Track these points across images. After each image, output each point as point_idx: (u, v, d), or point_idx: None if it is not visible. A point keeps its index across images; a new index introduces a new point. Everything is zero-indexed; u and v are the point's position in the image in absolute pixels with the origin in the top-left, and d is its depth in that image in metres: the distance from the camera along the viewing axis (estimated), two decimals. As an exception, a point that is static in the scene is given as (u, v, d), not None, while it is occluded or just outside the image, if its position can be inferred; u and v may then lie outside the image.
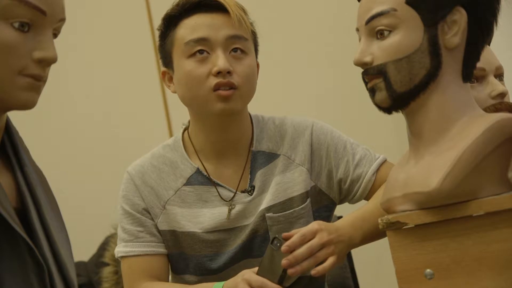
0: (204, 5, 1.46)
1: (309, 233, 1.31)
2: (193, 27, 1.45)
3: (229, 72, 1.42)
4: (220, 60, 1.42)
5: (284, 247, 1.29)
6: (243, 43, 1.46)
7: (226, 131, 1.49)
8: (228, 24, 1.45)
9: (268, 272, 1.30)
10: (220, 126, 1.48)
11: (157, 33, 1.55)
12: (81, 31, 2.97)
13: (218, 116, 1.45)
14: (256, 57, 1.53)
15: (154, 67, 2.99)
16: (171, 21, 1.49)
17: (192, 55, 1.44)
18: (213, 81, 1.42)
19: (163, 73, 1.54)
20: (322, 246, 1.31)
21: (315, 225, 1.33)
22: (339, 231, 1.35)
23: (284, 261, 1.28)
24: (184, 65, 1.45)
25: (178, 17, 1.48)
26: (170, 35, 1.49)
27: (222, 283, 1.36)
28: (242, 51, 1.46)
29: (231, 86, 1.42)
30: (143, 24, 3.05)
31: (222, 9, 1.45)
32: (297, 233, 1.31)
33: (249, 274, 1.31)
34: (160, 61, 1.56)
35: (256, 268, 1.33)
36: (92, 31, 3.08)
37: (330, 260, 1.31)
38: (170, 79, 1.52)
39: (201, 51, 1.43)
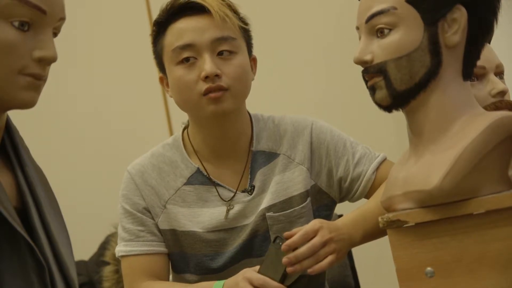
0: (188, 8, 1.44)
1: (311, 231, 1.31)
2: (179, 32, 1.44)
3: (217, 75, 1.41)
4: (206, 64, 1.40)
5: (284, 246, 1.29)
6: (230, 43, 1.44)
7: (223, 132, 1.48)
8: (212, 26, 1.43)
9: (270, 271, 1.30)
10: (216, 128, 1.47)
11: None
12: (81, 31, 2.96)
13: (211, 118, 1.44)
14: (251, 51, 1.51)
15: (154, 67, 2.99)
16: (160, 27, 1.48)
17: (180, 62, 1.43)
18: (203, 86, 1.41)
19: (161, 79, 1.53)
20: (324, 244, 1.31)
21: (316, 223, 1.33)
22: (339, 229, 1.35)
23: (284, 259, 1.28)
24: (174, 72, 1.44)
25: (166, 23, 1.46)
26: (160, 41, 1.48)
27: (222, 281, 1.36)
28: (230, 51, 1.44)
29: (221, 89, 1.41)
30: (143, 24, 3.04)
31: (206, 11, 1.43)
32: (298, 232, 1.31)
33: (251, 272, 1.31)
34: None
35: (257, 267, 1.33)
36: (92, 30, 3.07)
37: (329, 259, 1.31)
38: (168, 84, 1.52)
39: (187, 59, 1.42)
